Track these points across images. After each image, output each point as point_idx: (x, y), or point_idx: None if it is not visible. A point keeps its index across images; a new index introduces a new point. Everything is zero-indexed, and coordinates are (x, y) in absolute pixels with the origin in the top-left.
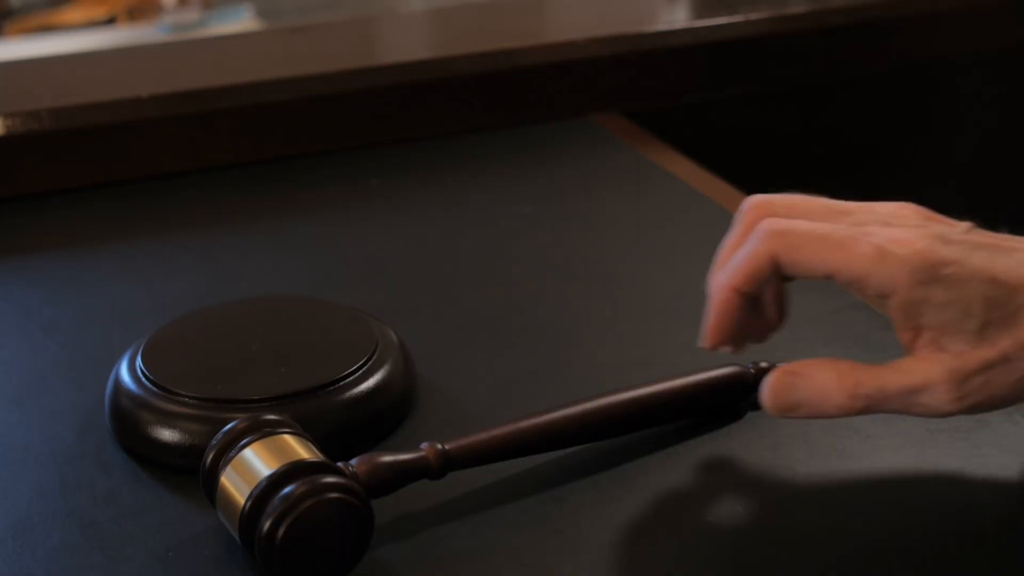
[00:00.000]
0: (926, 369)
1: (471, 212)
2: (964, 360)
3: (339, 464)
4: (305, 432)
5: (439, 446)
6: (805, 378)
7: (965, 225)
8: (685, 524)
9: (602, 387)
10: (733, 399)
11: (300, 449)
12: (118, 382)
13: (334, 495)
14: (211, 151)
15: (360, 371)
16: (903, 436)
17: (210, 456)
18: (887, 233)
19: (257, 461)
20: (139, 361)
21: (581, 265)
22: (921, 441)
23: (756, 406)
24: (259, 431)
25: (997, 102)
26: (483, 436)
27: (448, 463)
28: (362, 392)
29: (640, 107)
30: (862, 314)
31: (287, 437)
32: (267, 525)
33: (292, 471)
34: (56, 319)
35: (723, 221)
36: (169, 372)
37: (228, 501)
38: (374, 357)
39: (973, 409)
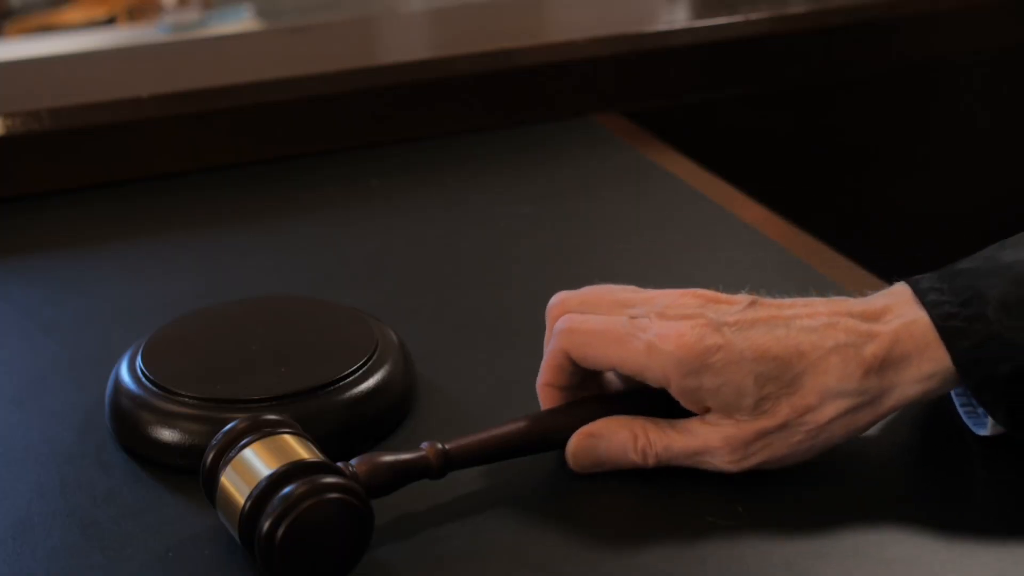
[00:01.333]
0: (708, 434)
1: (471, 212)
2: (743, 429)
3: (339, 464)
4: (305, 432)
5: (439, 446)
6: (603, 440)
7: (744, 302)
8: (685, 523)
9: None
10: None
11: (300, 449)
12: (118, 382)
13: (334, 495)
14: (211, 151)
15: (360, 371)
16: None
17: (210, 456)
18: (657, 328)
19: (257, 461)
20: (139, 361)
21: (581, 265)
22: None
23: None
24: (259, 431)
25: (997, 102)
26: (483, 436)
27: (448, 463)
28: (362, 392)
29: (640, 107)
30: None
31: (287, 437)
32: (267, 525)
33: (292, 471)
34: (56, 319)
35: (723, 221)
36: (169, 372)
37: (228, 501)
38: (374, 357)
39: (756, 467)
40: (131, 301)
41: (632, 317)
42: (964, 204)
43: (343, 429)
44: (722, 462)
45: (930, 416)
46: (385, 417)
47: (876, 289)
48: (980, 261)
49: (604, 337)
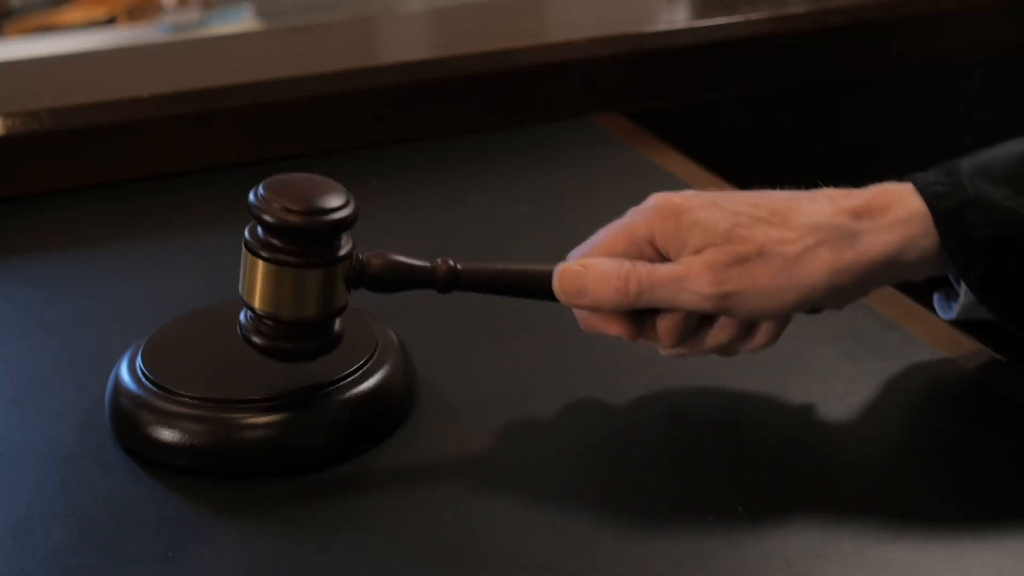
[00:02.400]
0: (690, 262)
1: (471, 212)
2: (722, 252)
3: (355, 253)
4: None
5: (451, 262)
6: (590, 269)
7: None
8: (685, 523)
9: (601, 387)
10: None
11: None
12: (118, 382)
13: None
14: (211, 151)
15: (360, 371)
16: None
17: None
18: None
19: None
20: (139, 361)
21: None
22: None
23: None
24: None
25: (997, 102)
26: (494, 266)
27: (456, 280)
28: (362, 392)
29: (640, 107)
30: (862, 314)
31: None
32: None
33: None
34: (56, 319)
35: None
36: (169, 372)
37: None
38: (374, 357)
39: (737, 299)
40: (131, 301)
41: None
42: None
43: (343, 429)
44: (701, 286)
45: (930, 417)
46: (385, 417)
47: (875, 291)
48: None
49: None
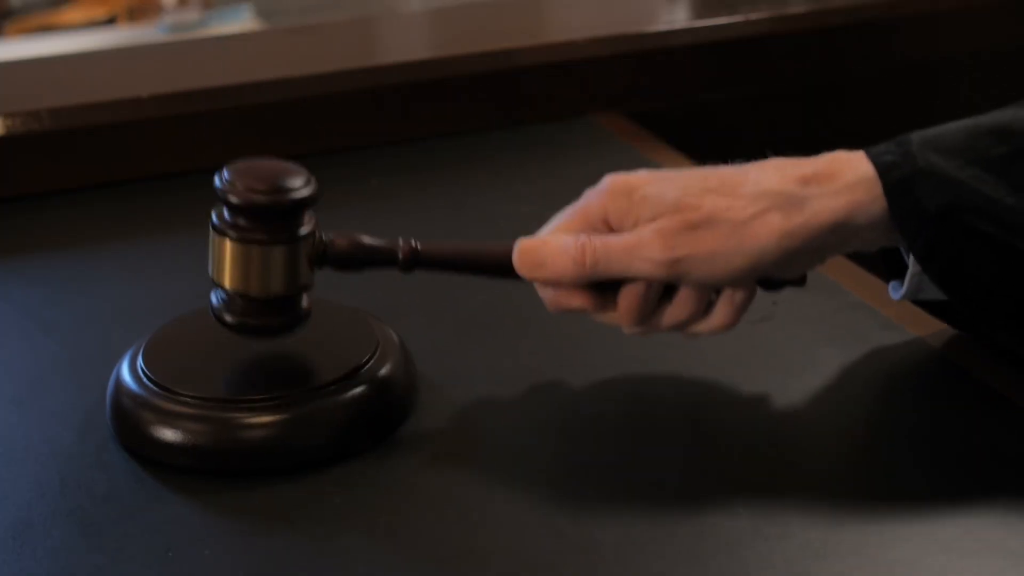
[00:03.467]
0: (640, 231)
1: (471, 212)
2: (672, 220)
3: (319, 234)
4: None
5: (412, 242)
6: (547, 243)
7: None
8: (685, 523)
9: (601, 387)
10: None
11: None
12: (119, 382)
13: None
14: (211, 151)
15: (360, 371)
16: None
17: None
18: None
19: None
20: (140, 361)
21: None
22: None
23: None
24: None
25: (997, 102)
26: (455, 244)
27: (416, 259)
28: (362, 392)
29: (640, 107)
30: (862, 314)
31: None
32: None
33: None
34: (56, 319)
35: None
36: (170, 372)
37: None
38: (374, 357)
39: (688, 263)
40: (131, 301)
41: None
42: None
43: (343, 428)
44: (653, 251)
45: (931, 417)
46: (385, 417)
47: (875, 291)
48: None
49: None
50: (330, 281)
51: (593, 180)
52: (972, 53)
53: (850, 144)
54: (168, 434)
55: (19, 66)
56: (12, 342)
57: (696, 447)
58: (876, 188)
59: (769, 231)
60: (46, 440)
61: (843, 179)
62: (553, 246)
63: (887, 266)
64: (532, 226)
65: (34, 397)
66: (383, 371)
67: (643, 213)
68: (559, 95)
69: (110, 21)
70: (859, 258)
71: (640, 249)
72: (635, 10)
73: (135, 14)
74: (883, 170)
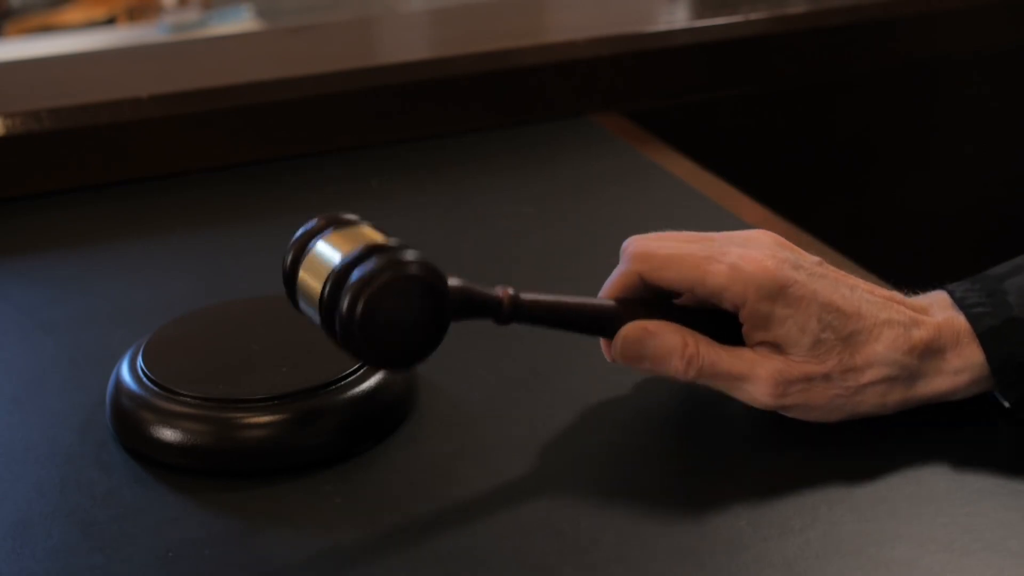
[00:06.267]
0: (757, 363)
1: (471, 212)
2: (791, 367)
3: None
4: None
5: (511, 292)
6: (655, 337)
7: (816, 259)
8: (686, 524)
9: (602, 387)
10: None
11: (374, 234)
12: (119, 382)
13: (412, 271)
14: (211, 151)
15: (360, 371)
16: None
17: (289, 257)
18: (739, 252)
19: (332, 250)
20: (140, 361)
21: (581, 265)
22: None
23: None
24: (333, 223)
25: (997, 101)
26: (556, 298)
27: (517, 311)
28: (362, 392)
29: (640, 107)
30: None
31: (362, 227)
32: (346, 302)
33: (368, 253)
34: (56, 319)
35: (723, 221)
36: (170, 372)
37: (308, 291)
38: None
39: (789, 410)
40: (131, 301)
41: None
42: (965, 203)
43: (343, 429)
44: (761, 393)
45: (931, 418)
46: (385, 417)
47: None
48: (1008, 266)
49: (684, 260)
50: None
51: (593, 180)
52: (972, 53)
53: (850, 143)
54: (168, 434)
55: (19, 66)
56: (12, 342)
57: (696, 447)
58: (984, 372)
59: (875, 398)
60: (46, 440)
61: (951, 363)
62: (659, 345)
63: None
64: (532, 226)
65: (34, 397)
66: (382, 371)
67: (776, 333)
68: (559, 95)
69: (110, 21)
70: (860, 259)
71: (749, 383)
72: (635, 10)
73: (135, 14)
74: (975, 319)
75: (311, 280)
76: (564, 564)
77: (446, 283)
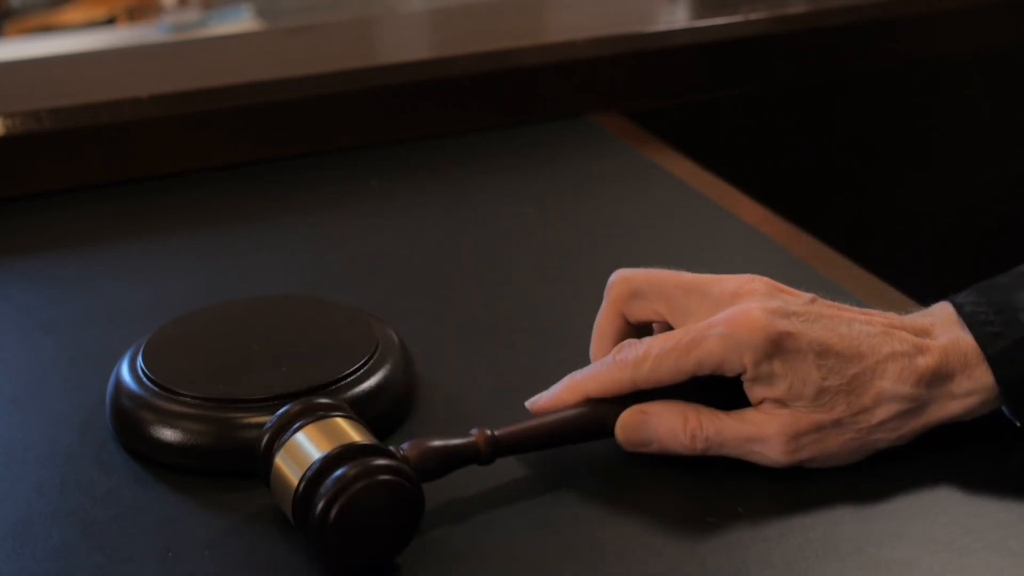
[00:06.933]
0: (764, 423)
1: (471, 212)
2: (799, 420)
3: (390, 448)
4: (356, 415)
5: (488, 432)
6: (654, 417)
7: (808, 297)
8: (685, 523)
9: None
10: None
11: (352, 432)
12: (119, 382)
13: (385, 477)
14: (211, 151)
15: (360, 371)
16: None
17: (265, 439)
18: (724, 318)
19: (310, 444)
20: (140, 361)
21: (581, 265)
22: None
23: None
24: (312, 414)
25: (997, 101)
26: (532, 423)
27: (497, 448)
28: (362, 392)
29: (640, 107)
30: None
31: (339, 420)
32: (320, 506)
33: (344, 453)
34: (56, 319)
35: (723, 221)
36: (170, 372)
37: (282, 483)
38: (374, 357)
39: (805, 463)
40: (131, 301)
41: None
42: (964, 203)
43: None
44: (775, 452)
45: None
46: (385, 417)
47: (874, 289)
48: (1015, 276)
49: (674, 352)
50: (330, 281)
51: (593, 180)
52: (972, 53)
53: (850, 143)
54: (168, 434)
55: (19, 66)
56: (12, 342)
57: None
58: (993, 393)
59: (890, 436)
60: (46, 440)
61: (961, 385)
62: (659, 425)
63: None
64: (532, 226)
65: (34, 397)
66: (383, 371)
67: (778, 389)
68: (558, 95)
69: (110, 21)
70: (860, 259)
71: (760, 444)
72: (635, 10)
73: (135, 14)
74: (985, 341)
75: (287, 472)
76: (564, 564)
77: (419, 486)
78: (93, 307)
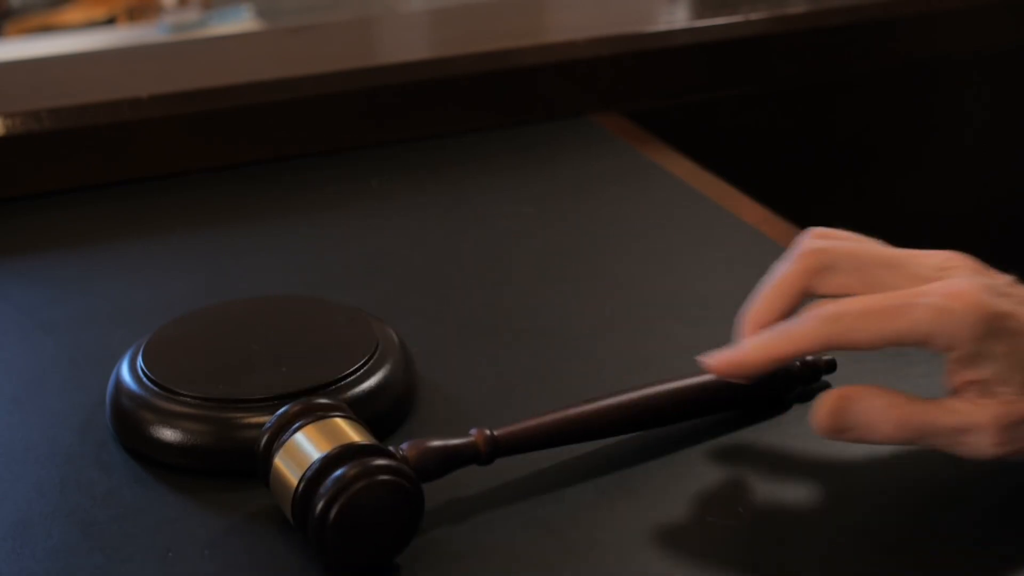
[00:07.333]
0: (974, 412)
1: (471, 212)
2: (1012, 408)
3: (390, 448)
4: (356, 415)
5: (487, 432)
6: (859, 403)
7: (1008, 278)
8: (685, 523)
9: (602, 387)
10: (778, 391)
11: (351, 432)
12: (119, 382)
13: (385, 477)
14: (211, 151)
15: (360, 371)
16: None
17: (264, 439)
18: (940, 289)
19: (309, 444)
20: (140, 361)
21: (581, 265)
22: None
23: (801, 398)
24: (311, 415)
25: (997, 101)
26: (531, 423)
27: (496, 449)
28: (362, 392)
29: (640, 107)
30: None
31: (338, 420)
32: (320, 506)
33: (344, 454)
34: (56, 319)
35: (723, 221)
36: (170, 372)
37: (281, 483)
38: (374, 357)
39: (1015, 454)
40: (131, 301)
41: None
42: (965, 203)
43: None
44: (986, 443)
45: None
46: (385, 417)
47: None
48: None
49: (880, 314)
50: (330, 281)
51: (593, 180)
52: (972, 53)
53: (850, 143)
54: (168, 434)
55: (19, 66)
56: (12, 342)
57: (696, 446)
58: None
59: None
60: (46, 440)
61: None
62: (864, 410)
63: None
64: (532, 226)
65: (34, 397)
66: (383, 371)
67: (989, 371)
68: (558, 95)
69: (110, 21)
70: None
71: (971, 435)
72: (635, 10)
73: (135, 14)
74: None
75: (286, 473)
76: (564, 564)
77: (419, 486)
78: (93, 307)
